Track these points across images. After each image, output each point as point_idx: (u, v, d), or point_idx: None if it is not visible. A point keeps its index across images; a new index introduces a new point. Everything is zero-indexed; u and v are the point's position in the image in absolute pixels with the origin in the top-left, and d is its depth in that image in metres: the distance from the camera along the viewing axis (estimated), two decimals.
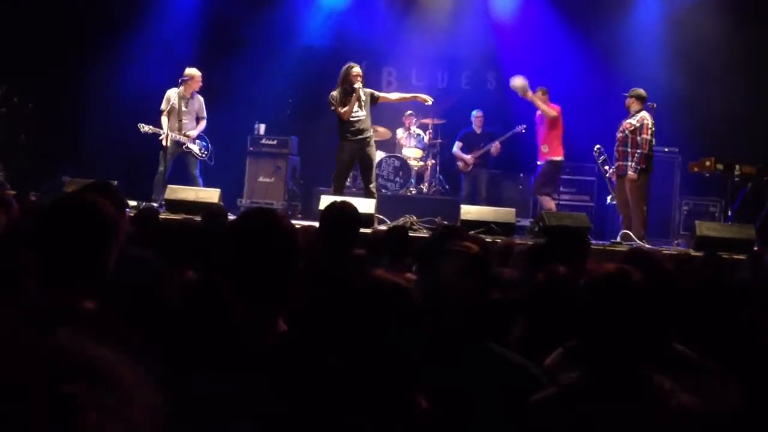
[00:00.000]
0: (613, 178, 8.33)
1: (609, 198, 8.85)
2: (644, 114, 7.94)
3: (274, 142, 10.13)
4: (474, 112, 10.14)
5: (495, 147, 9.88)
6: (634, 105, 7.99)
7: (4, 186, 8.17)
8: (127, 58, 9.81)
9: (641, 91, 8.04)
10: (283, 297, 1.85)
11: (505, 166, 10.33)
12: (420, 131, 10.55)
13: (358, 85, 7.69)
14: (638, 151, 7.83)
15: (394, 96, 8.33)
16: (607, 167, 8.53)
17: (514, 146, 9.98)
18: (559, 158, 9.07)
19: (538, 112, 9.09)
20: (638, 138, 7.85)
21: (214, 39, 10.40)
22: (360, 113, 7.76)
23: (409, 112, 10.48)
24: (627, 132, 7.92)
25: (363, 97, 7.79)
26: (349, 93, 7.70)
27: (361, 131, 7.78)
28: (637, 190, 7.91)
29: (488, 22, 10.83)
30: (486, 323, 2.20)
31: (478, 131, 10.09)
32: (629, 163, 7.88)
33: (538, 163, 9.18)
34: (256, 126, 10.29)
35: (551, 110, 8.96)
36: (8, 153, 9.28)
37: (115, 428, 0.62)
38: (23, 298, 1.96)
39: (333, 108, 7.73)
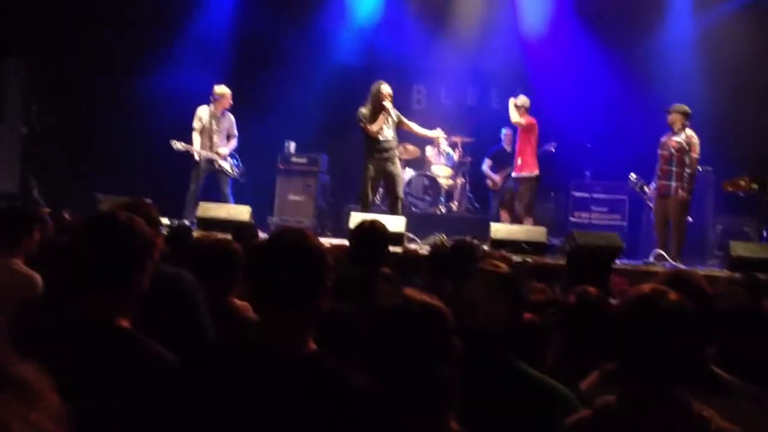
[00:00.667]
0: (654, 197, 7.99)
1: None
2: (691, 132, 7.60)
3: (304, 160, 10.18)
4: (503, 130, 10.09)
5: None
6: (677, 122, 7.61)
7: (39, 203, 8.30)
8: (159, 74, 9.92)
9: (685, 108, 7.66)
10: (313, 316, 1.84)
11: None
12: (449, 149, 10.53)
13: (387, 103, 7.72)
14: (687, 171, 7.53)
15: (416, 128, 8.26)
16: (646, 188, 8.18)
17: (544, 165, 9.88)
18: (532, 174, 8.84)
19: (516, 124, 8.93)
20: (685, 157, 7.53)
21: (246, 56, 10.50)
22: (388, 132, 7.79)
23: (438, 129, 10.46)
24: (673, 150, 7.58)
25: (393, 117, 7.82)
26: (378, 111, 7.74)
27: (387, 150, 7.81)
28: (684, 209, 7.64)
29: (518, 40, 10.81)
30: (518, 345, 2.17)
31: (508, 149, 10.03)
32: (676, 183, 7.56)
33: (513, 174, 9.07)
34: (286, 144, 10.35)
35: (517, 115, 8.70)
36: (42, 170, 9.44)
37: (21, 430, 0.63)
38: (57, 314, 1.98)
39: (362, 125, 7.76)
